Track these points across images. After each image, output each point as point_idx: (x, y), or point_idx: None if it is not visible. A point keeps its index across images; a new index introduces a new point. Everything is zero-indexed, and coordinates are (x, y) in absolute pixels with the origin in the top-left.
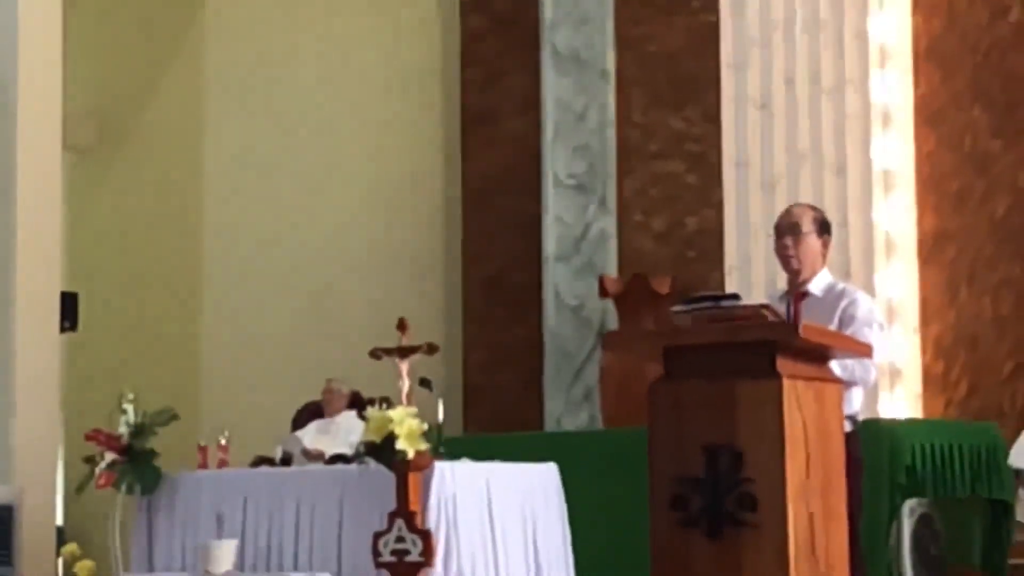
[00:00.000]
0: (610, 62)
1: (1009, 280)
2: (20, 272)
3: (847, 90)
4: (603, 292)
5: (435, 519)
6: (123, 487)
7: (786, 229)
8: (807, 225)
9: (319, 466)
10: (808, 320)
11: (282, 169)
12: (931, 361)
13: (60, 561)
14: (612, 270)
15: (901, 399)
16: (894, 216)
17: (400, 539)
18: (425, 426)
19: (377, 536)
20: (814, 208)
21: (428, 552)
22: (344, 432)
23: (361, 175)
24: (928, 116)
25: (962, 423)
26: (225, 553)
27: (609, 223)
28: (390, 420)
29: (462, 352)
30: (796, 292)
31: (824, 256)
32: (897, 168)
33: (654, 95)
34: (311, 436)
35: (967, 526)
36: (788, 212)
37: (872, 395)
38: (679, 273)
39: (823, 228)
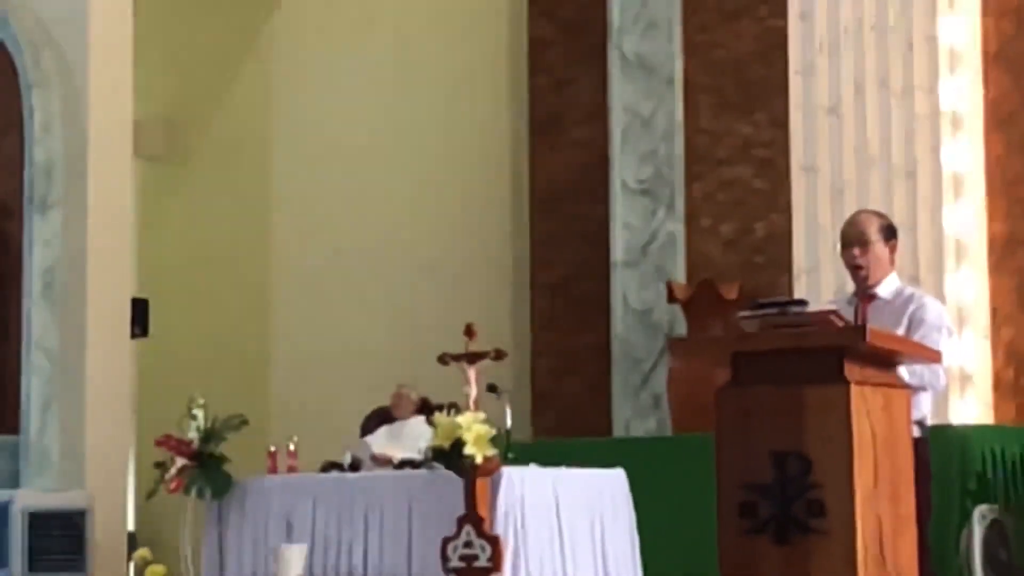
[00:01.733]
0: (678, 68)
1: None
2: (91, 278)
3: (916, 94)
4: (671, 298)
5: (503, 524)
6: (193, 492)
7: (853, 239)
8: (873, 234)
9: (388, 471)
10: (876, 324)
11: (350, 175)
12: (1002, 367)
13: (131, 565)
14: (680, 276)
15: (972, 405)
16: (964, 221)
17: (469, 544)
18: (493, 431)
19: (446, 541)
20: (879, 215)
21: (497, 557)
22: (413, 437)
23: (429, 182)
24: (998, 120)
25: None
26: (295, 557)
27: (677, 228)
28: (458, 425)
29: (530, 358)
30: (864, 296)
31: (892, 261)
32: (967, 172)
33: (722, 101)
34: (380, 441)
35: None
36: (853, 221)
37: (942, 401)
38: (747, 279)
39: (890, 234)
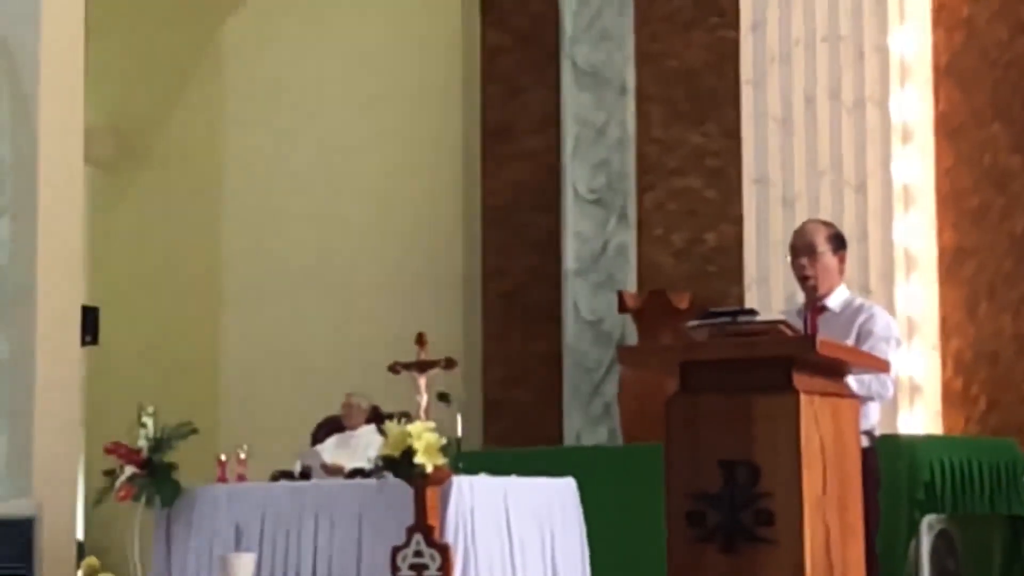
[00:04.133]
0: (630, 78)
1: None
2: (41, 286)
3: (867, 106)
4: (622, 307)
5: (453, 533)
6: (142, 500)
7: (801, 249)
8: (822, 244)
9: (338, 480)
10: (825, 335)
11: (301, 184)
12: (951, 377)
13: (80, 574)
14: (631, 285)
15: (921, 415)
16: (913, 232)
17: (418, 553)
18: (444, 440)
19: (395, 550)
20: (828, 224)
21: (446, 566)
22: (363, 446)
23: (381, 191)
24: (948, 132)
25: (981, 439)
26: (244, 566)
27: (628, 238)
28: (409, 434)
29: (481, 367)
30: (813, 306)
31: (841, 271)
32: (917, 184)
33: (673, 111)
34: (330, 450)
35: (986, 543)
36: (802, 231)
37: (891, 411)
38: (698, 288)
39: (838, 244)
